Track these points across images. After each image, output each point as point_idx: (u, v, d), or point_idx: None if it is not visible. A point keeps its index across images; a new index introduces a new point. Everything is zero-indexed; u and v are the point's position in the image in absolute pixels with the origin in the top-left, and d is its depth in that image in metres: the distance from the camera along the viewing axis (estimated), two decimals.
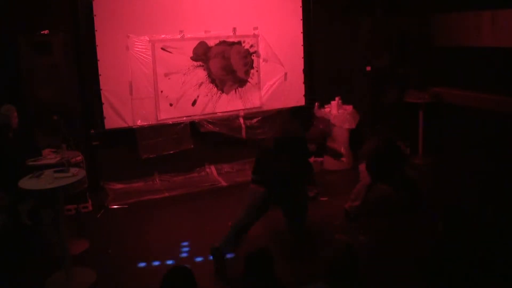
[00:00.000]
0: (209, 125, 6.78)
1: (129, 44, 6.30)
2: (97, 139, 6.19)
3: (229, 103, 6.96)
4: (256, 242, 4.78)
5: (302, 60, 7.37)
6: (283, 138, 4.79)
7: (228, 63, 6.91)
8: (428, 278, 3.16)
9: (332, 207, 5.76)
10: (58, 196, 4.10)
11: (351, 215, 5.35)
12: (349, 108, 7.10)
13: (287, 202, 4.78)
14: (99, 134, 6.24)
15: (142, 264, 4.55)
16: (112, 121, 6.37)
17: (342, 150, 6.56)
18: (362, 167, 5.45)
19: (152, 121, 6.55)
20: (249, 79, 7.07)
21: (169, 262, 4.56)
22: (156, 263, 4.56)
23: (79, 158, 5.28)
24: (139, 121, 6.48)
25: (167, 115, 6.62)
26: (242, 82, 7.04)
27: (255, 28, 6.97)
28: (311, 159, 7.35)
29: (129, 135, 6.45)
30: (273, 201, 4.66)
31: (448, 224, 3.15)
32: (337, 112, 7.01)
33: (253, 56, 7.05)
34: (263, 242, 4.81)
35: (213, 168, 7.01)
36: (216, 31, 6.75)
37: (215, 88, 6.89)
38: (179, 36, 6.56)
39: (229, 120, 6.90)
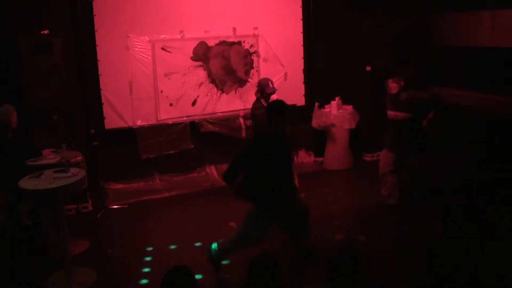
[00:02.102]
0: (209, 125, 6.78)
1: (129, 44, 6.30)
2: (97, 139, 6.19)
3: (229, 103, 6.96)
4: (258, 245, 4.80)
5: (302, 60, 7.37)
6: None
7: (228, 63, 6.91)
8: (428, 278, 3.16)
9: (332, 207, 5.76)
10: (58, 196, 4.10)
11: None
12: (349, 108, 7.10)
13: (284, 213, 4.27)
14: (99, 134, 6.24)
15: (142, 264, 4.55)
16: (112, 121, 6.37)
17: None
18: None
19: (152, 121, 6.55)
20: (249, 79, 7.06)
21: (169, 262, 4.56)
22: (156, 263, 4.56)
23: (79, 158, 5.28)
24: (139, 121, 6.48)
25: (167, 115, 6.62)
26: (242, 82, 7.04)
27: (255, 28, 6.97)
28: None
29: (129, 135, 6.45)
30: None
31: (448, 224, 3.14)
32: (337, 112, 7.01)
33: (253, 56, 7.05)
34: (264, 244, 4.82)
35: (213, 168, 7.01)
36: (216, 31, 6.75)
37: (215, 88, 6.89)
38: (179, 36, 6.56)
39: (229, 120, 6.90)
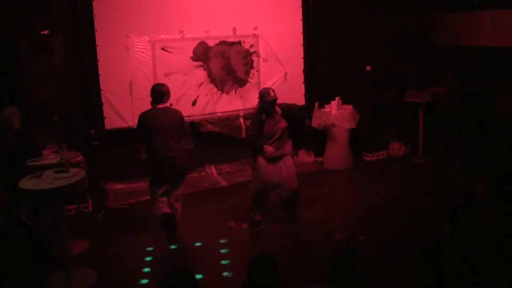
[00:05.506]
0: (209, 125, 6.77)
1: (129, 44, 6.30)
2: (97, 139, 6.19)
3: (229, 103, 6.95)
4: (258, 245, 4.80)
5: (302, 60, 7.36)
6: None
7: (228, 63, 6.91)
8: (430, 277, 3.16)
9: (332, 207, 5.76)
10: (58, 196, 4.10)
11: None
12: (349, 108, 7.09)
13: None
14: (99, 134, 6.24)
15: (142, 264, 4.55)
16: (112, 121, 6.37)
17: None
18: None
19: None
20: (249, 79, 7.06)
21: (169, 262, 4.56)
22: (156, 263, 4.56)
23: (79, 158, 5.29)
24: None
25: None
26: (242, 82, 7.04)
27: (255, 28, 6.97)
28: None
29: (129, 135, 6.44)
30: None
31: (456, 223, 3.14)
32: (337, 112, 7.00)
33: (253, 56, 7.05)
34: (264, 244, 4.83)
35: (213, 168, 7.00)
36: (216, 31, 6.75)
37: (215, 88, 6.89)
38: (179, 36, 6.56)
39: (229, 120, 6.89)
